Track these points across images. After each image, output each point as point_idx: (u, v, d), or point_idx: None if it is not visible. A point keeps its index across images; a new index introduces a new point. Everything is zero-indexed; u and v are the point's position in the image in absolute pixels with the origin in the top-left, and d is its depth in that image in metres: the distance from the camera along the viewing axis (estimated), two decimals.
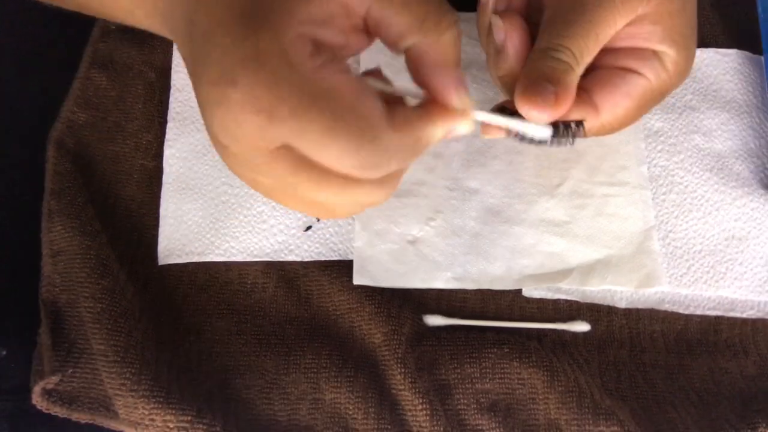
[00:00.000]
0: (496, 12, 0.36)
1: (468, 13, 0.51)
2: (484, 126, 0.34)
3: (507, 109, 0.35)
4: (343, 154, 0.26)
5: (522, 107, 0.33)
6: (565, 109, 0.33)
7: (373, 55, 0.46)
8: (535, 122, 0.33)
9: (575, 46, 0.34)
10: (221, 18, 0.26)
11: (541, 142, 0.34)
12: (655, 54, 0.36)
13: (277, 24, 0.25)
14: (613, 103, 0.36)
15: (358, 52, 0.30)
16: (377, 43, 0.30)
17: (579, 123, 0.34)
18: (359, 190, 0.28)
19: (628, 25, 0.35)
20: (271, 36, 0.25)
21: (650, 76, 0.36)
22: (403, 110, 0.28)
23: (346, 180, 0.27)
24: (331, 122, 0.25)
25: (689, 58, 0.37)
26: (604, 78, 0.36)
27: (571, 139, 0.34)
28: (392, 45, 0.29)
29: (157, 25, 0.33)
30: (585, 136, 0.35)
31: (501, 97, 0.49)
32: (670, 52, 0.36)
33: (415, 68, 0.29)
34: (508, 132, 0.34)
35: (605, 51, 0.36)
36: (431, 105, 0.29)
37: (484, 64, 0.49)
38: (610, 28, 0.34)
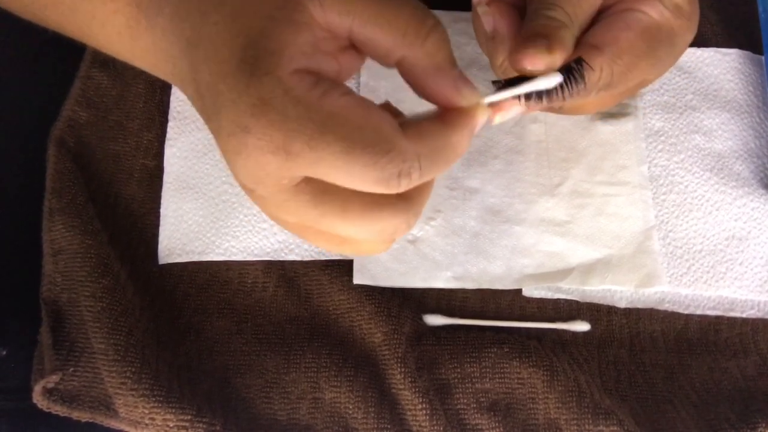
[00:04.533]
0: (485, 4, 0.36)
1: (469, 12, 0.51)
2: (494, 110, 0.33)
3: (509, 80, 0.33)
4: (363, 170, 0.26)
5: (516, 62, 0.32)
6: (559, 58, 0.32)
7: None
8: (532, 72, 0.32)
9: (567, 2, 0.33)
10: (221, 72, 0.27)
11: (552, 95, 0.32)
12: None
13: (273, 66, 0.26)
14: (613, 37, 0.34)
15: (355, 71, 0.31)
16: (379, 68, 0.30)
17: (578, 61, 0.33)
18: (382, 215, 0.28)
19: None
20: (271, 78, 0.26)
21: (651, 13, 0.35)
22: (416, 123, 0.28)
23: (368, 206, 0.27)
24: (344, 143, 0.25)
25: (692, 4, 0.36)
26: (602, 22, 0.35)
27: (579, 81, 0.32)
28: (382, 61, 0.29)
29: (152, 70, 0.33)
30: (593, 69, 0.33)
31: None
32: None
33: (411, 81, 0.29)
34: (520, 100, 0.32)
35: (601, 8, 0.35)
36: (443, 112, 0.29)
37: (485, 64, 0.49)
38: None
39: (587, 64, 0.33)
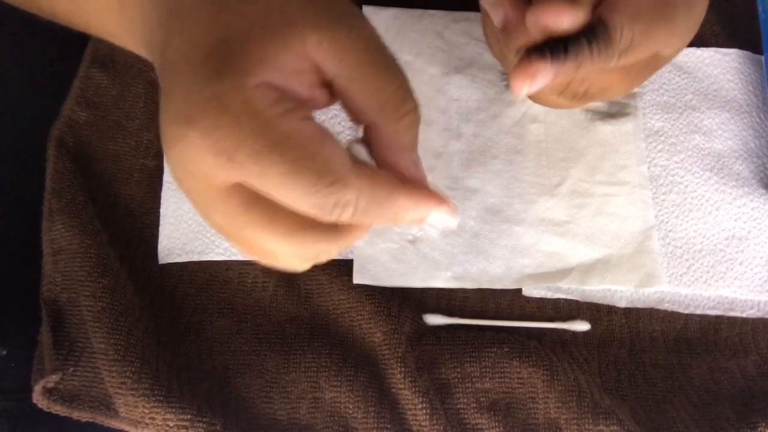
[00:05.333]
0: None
1: (469, 12, 0.51)
2: (522, 79, 0.32)
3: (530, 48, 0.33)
4: (302, 195, 0.26)
5: (538, 21, 0.31)
6: (582, 13, 0.31)
7: None
8: (554, 32, 0.31)
9: None
10: (188, 55, 0.26)
11: (579, 54, 0.31)
12: None
13: (243, 69, 0.25)
14: (624, 3, 0.33)
15: (323, 107, 0.30)
16: None
17: (599, 22, 0.32)
18: (308, 237, 0.27)
19: None
20: (236, 80, 0.25)
21: None
22: (373, 171, 0.28)
23: (296, 225, 0.27)
24: (291, 166, 0.25)
25: None
26: None
27: (603, 40, 0.32)
28: (351, 116, 0.29)
29: (136, 46, 0.33)
30: (615, 29, 0.32)
31: (502, 97, 0.49)
32: None
33: (372, 144, 0.29)
34: (548, 61, 0.31)
35: None
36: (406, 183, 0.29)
37: (485, 64, 0.49)
38: None
39: (609, 23, 0.32)
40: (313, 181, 0.25)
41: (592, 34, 0.32)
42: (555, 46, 0.32)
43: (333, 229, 0.28)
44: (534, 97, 0.39)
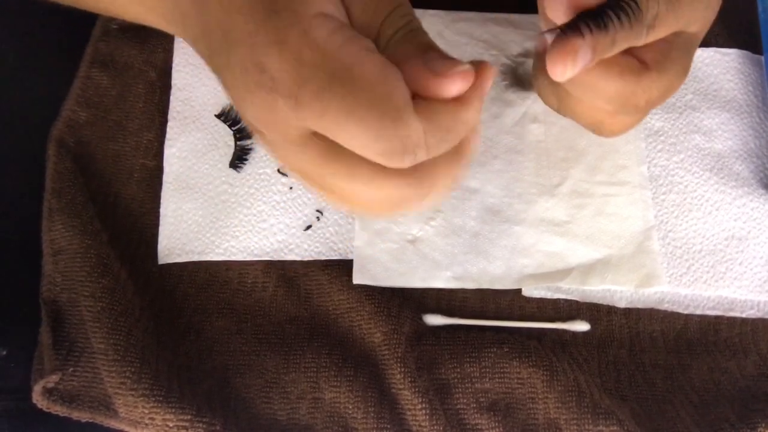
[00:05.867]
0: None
1: (469, 12, 0.51)
2: (563, 59, 0.31)
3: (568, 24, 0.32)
4: (364, 135, 0.25)
5: None
6: None
7: None
8: None
9: None
10: (234, 4, 0.26)
11: (613, 24, 0.31)
12: None
13: (296, 3, 0.25)
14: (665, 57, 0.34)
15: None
16: None
17: None
18: (388, 183, 0.26)
19: None
20: (291, 16, 0.24)
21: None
22: (427, 103, 0.27)
23: (376, 171, 0.26)
24: (351, 100, 0.24)
25: None
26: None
27: (634, 10, 0.32)
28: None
29: (157, 19, 0.32)
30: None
31: (502, 97, 0.49)
32: None
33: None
34: (584, 36, 0.31)
35: None
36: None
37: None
38: None
39: None
40: (375, 117, 0.24)
41: (619, 6, 0.31)
42: (586, 21, 0.31)
43: (415, 172, 0.27)
44: (596, 125, 0.39)
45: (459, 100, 0.27)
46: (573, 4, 0.32)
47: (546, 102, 0.40)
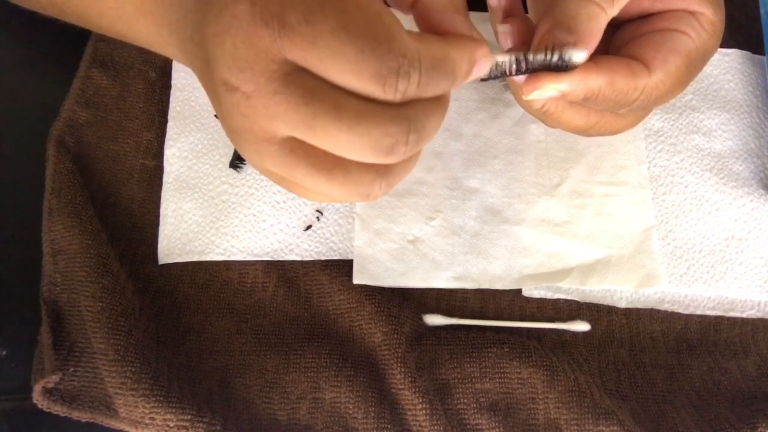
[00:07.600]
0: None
1: (469, 12, 0.51)
2: (530, 85, 0.32)
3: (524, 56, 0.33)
4: (359, 56, 0.24)
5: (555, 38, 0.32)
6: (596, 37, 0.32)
7: None
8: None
9: None
10: None
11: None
12: (692, 14, 0.35)
13: None
14: (663, 60, 0.34)
15: None
16: None
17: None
18: (378, 120, 0.26)
19: None
20: None
21: (692, 35, 0.35)
22: (418, 33, 0.27)
23: (363, 109, 0.26)
24: (343, 19, 0.24)
25: (723, 19, 0.36)
26: (648, 39, 0.35)
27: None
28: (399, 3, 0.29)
29: (146, 20, 0.32)
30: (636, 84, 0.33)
31: (502, 97, 0.49)
32: (706, 12, 0.35)
33: (426, 23, 0.29)
34: (549, 66, 0.32)
35: (642, 18, 0.36)
36: (451, 35, 0.29)
37: None
38: None
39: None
40: (369, 36, 0.24)
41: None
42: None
43: (403, 108, 0.27)
44: (594, 127, 0.39)
45: (451, 40, 0.28)
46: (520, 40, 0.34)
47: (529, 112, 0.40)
